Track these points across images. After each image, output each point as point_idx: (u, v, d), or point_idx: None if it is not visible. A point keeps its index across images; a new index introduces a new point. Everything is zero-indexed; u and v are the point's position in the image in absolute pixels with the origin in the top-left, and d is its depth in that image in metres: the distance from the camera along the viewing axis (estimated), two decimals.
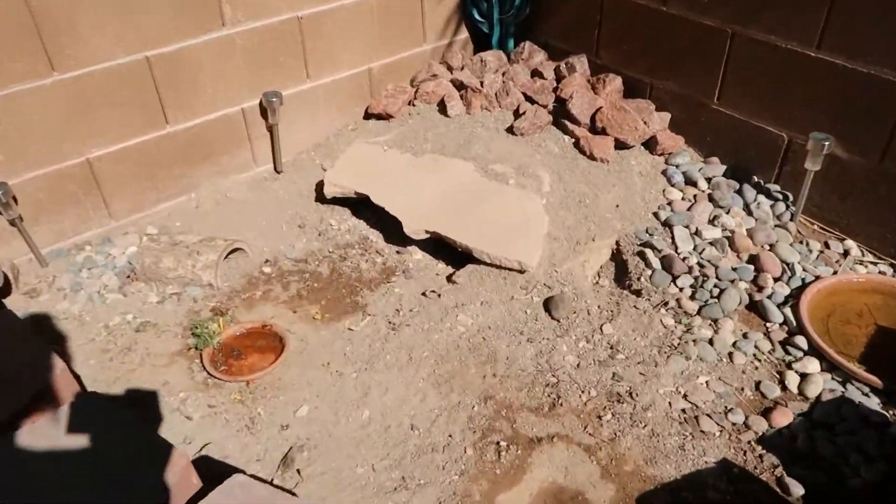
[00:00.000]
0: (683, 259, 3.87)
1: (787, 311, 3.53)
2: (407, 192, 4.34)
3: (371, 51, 5.02)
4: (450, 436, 3.02)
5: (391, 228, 4.43)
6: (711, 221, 4.11)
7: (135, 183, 4.29)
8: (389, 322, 3.70)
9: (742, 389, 3.20)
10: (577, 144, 4.55)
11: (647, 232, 4.10)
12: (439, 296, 3.85)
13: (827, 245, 4.00)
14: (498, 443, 2.98)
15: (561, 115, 4.70)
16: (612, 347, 3.44)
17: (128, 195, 4.29)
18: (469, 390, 3.26)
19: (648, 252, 3.93)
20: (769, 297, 3.64)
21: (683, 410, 3.10)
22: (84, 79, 3.81)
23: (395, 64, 5.21)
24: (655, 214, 4.22)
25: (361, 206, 4.60)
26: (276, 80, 4.60)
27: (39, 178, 3.88)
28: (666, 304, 3.62)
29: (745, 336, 3.45)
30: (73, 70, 3.75)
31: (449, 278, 4.06)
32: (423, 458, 2.92)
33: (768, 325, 3.53)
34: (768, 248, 3.93)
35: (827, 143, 3.74)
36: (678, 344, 3.40)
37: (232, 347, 3.52)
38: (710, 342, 3.41)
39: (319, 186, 4.70)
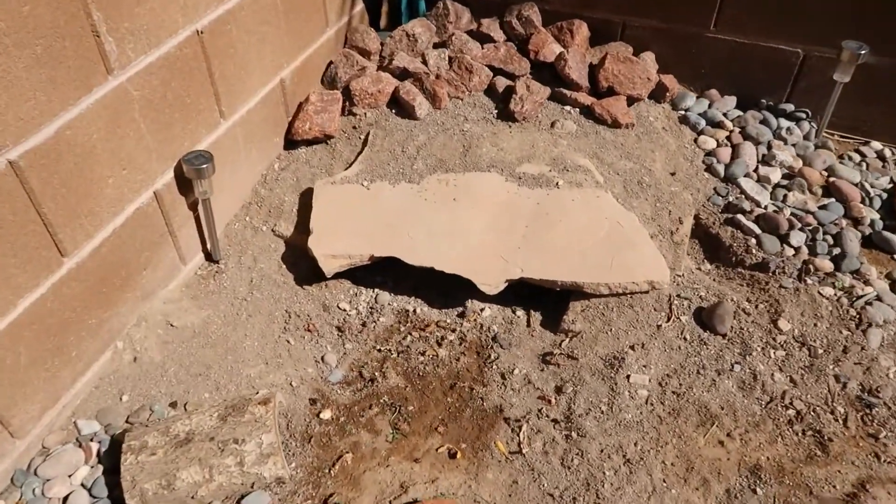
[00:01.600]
0: (775, 213, 3.47)
1: None
2: (443, 236, 3.26)
3: (281, 53, 3.60)
4: None
5: (427, 285, 3.35)
6: (765, 162, 3.76)
7: (37, 366, 2.55)
8: (555, 422, 2.75)
9: None
10: (590, 113, 3.84)
11: (718, 194, 3.62)
12: (571, 357, 2.96)
13: (860, 152, 3.92)
14: None
15: (553, 82, 3.87)
16: (803, 345, 2.97)
17: (30, 391, 2.55)
18: (725, 472, 2.56)
19: (741, 218, 3.46)
20: (871, 226, 3.44)
21: None
22: None
23: (306, 64, 3.85)
24: (709, 170, 3.75)
25: (363, 271, 3.36)
26: (186, 132, 3.05)
27: None
28: (808, 270, 3.21)
29: None
30: None
31: (546, 326, 3.17)
32: None
33: (895, 255, 3.34)
34: (826, 174, 3.71)
35: (863, 52, 3.55)
36: (858, 313, 3.04)
37: None
38: (879, 298, 3.10)
39: (294, 261, 3.35)
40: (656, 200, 3.56)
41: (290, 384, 3.00)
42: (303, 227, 3.56)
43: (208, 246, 3.41)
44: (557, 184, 3.49)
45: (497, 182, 3.53)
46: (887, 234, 3.44)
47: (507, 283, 3.20)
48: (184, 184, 3.11)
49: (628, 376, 2.92)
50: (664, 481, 2.60)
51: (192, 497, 2.53)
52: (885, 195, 3.68)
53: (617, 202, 3.42)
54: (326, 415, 2.87)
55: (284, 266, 3.48)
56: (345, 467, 2.69)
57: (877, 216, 3.58)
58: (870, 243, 3.49)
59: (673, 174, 3.74)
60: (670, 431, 2.76)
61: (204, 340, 3.13)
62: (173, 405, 2.89)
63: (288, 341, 3.18)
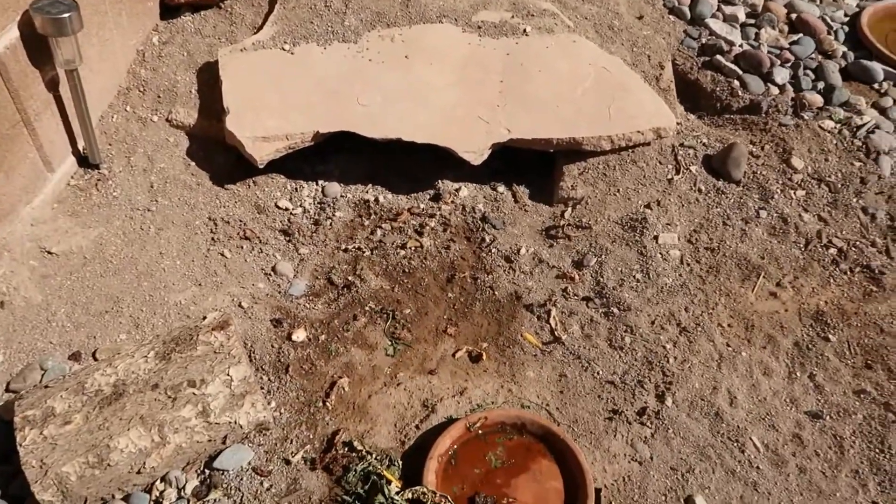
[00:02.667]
0: (755, 50, 3.14)
1: (876, 64, 3.17)
2: (403, 100, 2.60)
3: None
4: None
5: (384, 169, 2.70)
6: (727, 1, 3.41)
7: None
8: (588, 300, 2.27)
9: None
10: None
11: (690, 37, 3.23)
12: (581, 227, 2.47)
13: None
14: None
15: None
16: (820, 181, 2.67)
17: None
18: (788, 325, 2.27)
19: (720, 59, 3.10)
20: (844, 58, 3.22)
21: None
22: None
23: None
24: (674, 13, 3.34)
25: (298, 161, 2.64)
26: None
27: None
28: (803, 106, 2.92)
29: (893, 103, 3.01)
30: None
31: (536, 199, 2.65)
32: None
33: (875, 85, 3.14)
34: (787, 10, 3.44)
35: None
36: (863, 143, 2.80)
37: (476, 494, 1.74)
38: (878, 127, 2.88)
39: (205, 156, 2.57)
40: (632, 45, 3.08)
41: (240, 305, 2.25)
42: (209, 111, 2.71)
43: (81, 145, 2.48)
44: (525, 31, 2.90)
45: (453, 34, 2.87)
46: (866, 62, 3.23)
47: (491, 149, 2.61)
48: (37, 47, 2.16)
49: (656, 237, 2.48)
50: (728, 345, 2.22)
51: (139, 472, 1.77)
52: (846, 28, 3.49)
53: (598, 48, 2.91)
54: (300, 336, 2.17)
55: (193, 164, 2.64)
56: (343, 396, 2.03)
57: (845, 48, 3.37)
58: (847, 75, 3.28)
59: (640, 18, 3.28)
60: (717, 291, 2.37)
61: (102, 267, 2.27)
62: (75, 357, 2.05)
63: (222, 254, 2.40)
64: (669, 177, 2.70)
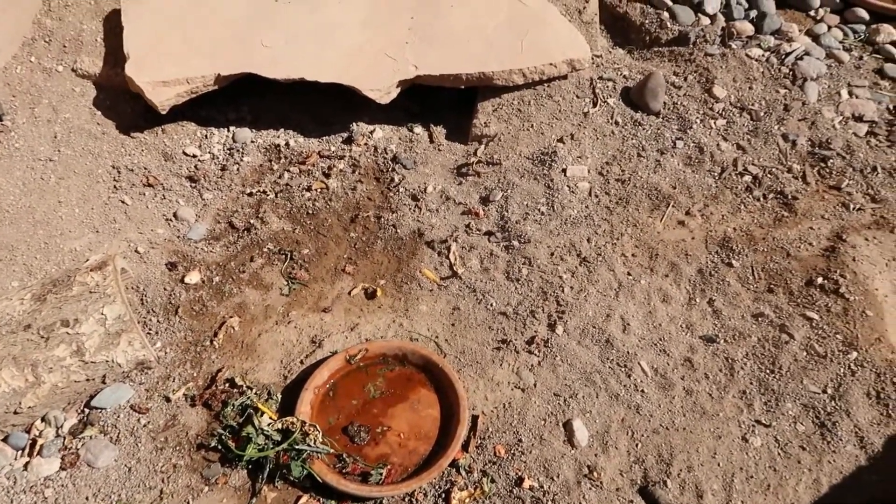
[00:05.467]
0: None
1: None
2: (309, 40, 2.53)
3: None
4: None
5: (297, 112, 2.65)
6: None
7: None
8: (489, 234, 2.23)
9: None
10: None
11: None
12: (492, 163, 2.42)
13: None
14: None
15: None
16: (742, 110, 2.61)
17: None
18: (693, 252, 2.22)
19: None
20: None
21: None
22: None
23: None
24: None
25: (211, 108, 2.59)
26: None
27: None
28: (731, 35, 2.83)
29: (828, 29, 2.91)
30: None
31: (452, 138, 2.59)
32: None
33: (811, 12, 3.03)
34: None
35: None
36: (790, 70, 2.72)
37: (350, 424, 1.72)
38: (807, 53, 2.78)
39: (112, 105, 2.52)
40: None
41: (136, 251, 2.22)
42: (115, 59, 2.64)
43: None
44: None
45: None
46: None
47: (399, 87, 2.54)
48: None
49: (564, 170, 2.42)
50: (629, 274, 2.18)
51: (16, 412, 1.77)
52: None
53: None
54: (193, 278, 2.15)
55: (99, 113, 2.59)
56: (231, 335, 2.01)
57: None
58: (782, 2, 3.16)
59: None
60: (623, 221, 2.32)
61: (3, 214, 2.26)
62: None
63: (122, 201, 2.36)
64: (586, 110, 2.62)
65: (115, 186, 2.40)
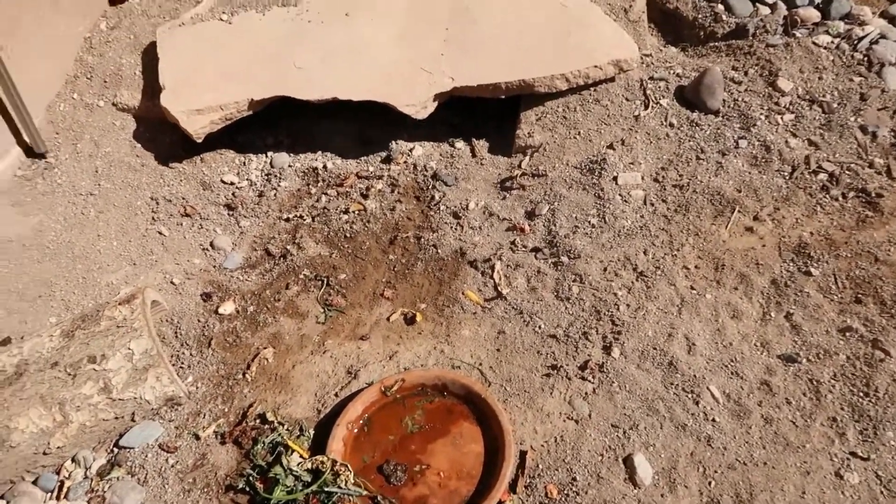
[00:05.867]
0: None
1: None
2: (342, 58, 2.46)
3: None
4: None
5: (337, 134, 2.56)
6: None
7: None
8: (536, 251, 2.07)
9: None
10: None
11: None
12: (537, 175, 2.27)
13: None
14: None
15: None
16: (812, 102, 2.36)
17: None
18: (765, 261, 1.99)
19: None
20: None
21: None
22: None
23: None
24: None
25: (249, 135, 2.54)
26: None
27: None
28: (794, 23, 2.60)
29: None
30: None
31: (496, 152, 2.45)
32: None
33: None
34: None
35: None
36: (865, 56, 2.46)
37: (385, 462, 1.59)
38: (883, 36, 2.52)
39: (151, 137, 2.50)
40: None
41: (172, 282, 2.17)
42: (153, 91, 2.64)
43: (24, 135, 2.47)
44: None
45: None
46: None
47: (436, 101, 2.43)
48: None
49: (615, 178, 2.24)
50: (692, 288, 1.97)
51: (45, 453, 1.72)
52: None
53: None
54: (228, 308, 2.07)
55: (139, 145, 2.58)
56: (265, 367, 1.92)
57: None
58: None
59: None
60: (683, 230, 2.12)
61: (39, 254, 2.23)
62: (5, 342, 2.02)
63: (160, 233, 2.33)
64: (637, 113, 2.44)
65: (153, 218, 2.37)
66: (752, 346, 1.81)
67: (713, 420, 1.66)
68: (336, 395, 1.81)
